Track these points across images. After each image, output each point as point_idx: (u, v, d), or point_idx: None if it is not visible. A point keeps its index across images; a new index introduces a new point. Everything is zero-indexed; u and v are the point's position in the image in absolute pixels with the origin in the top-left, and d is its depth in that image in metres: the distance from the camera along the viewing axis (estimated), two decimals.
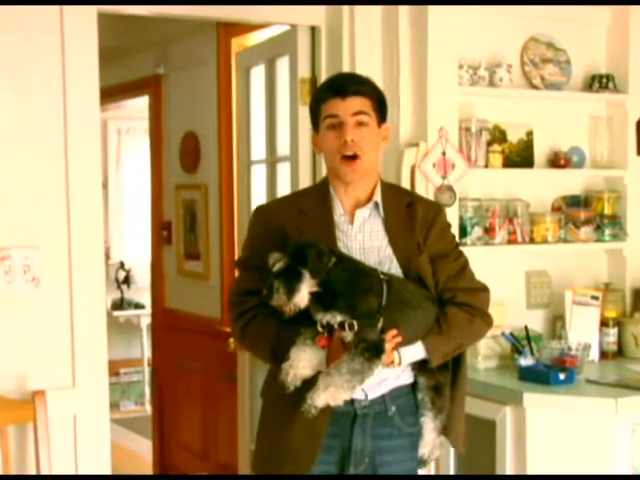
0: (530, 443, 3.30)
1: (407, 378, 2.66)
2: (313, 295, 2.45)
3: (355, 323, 2.43)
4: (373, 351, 2.42)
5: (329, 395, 2.39)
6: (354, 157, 2.59)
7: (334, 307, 2.44)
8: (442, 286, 2.65)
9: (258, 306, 2.60)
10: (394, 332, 2.49)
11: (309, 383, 2.44)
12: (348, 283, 2.44)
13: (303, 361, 2.47)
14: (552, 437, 3.31)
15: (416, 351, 2.58)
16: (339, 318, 2.44)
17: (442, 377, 2.65)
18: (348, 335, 2.44)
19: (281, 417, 2.60)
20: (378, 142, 2.67)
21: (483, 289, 2.73)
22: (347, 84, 2.64)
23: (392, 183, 2.93)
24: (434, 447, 2.68)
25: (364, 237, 2.65)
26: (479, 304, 2.69)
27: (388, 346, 2.47)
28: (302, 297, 2.43)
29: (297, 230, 2.60)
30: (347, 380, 2.40)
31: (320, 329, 2.46)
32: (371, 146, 2.63)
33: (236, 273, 2.86)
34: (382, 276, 2.51)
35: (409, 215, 2.67)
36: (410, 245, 2.64)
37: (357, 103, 2.60)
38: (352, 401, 2.56)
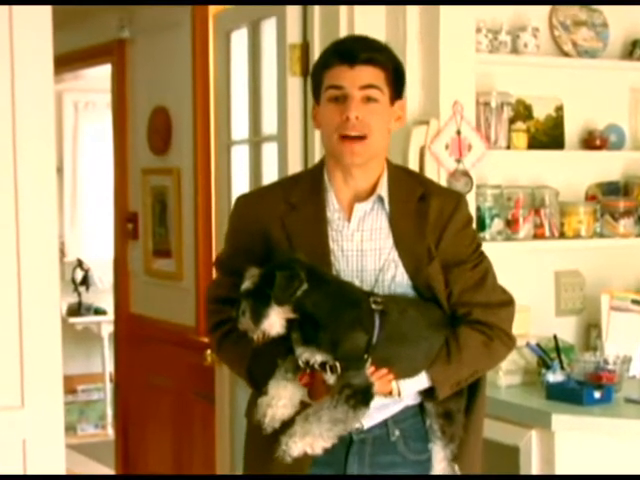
0: (560, 472, 3.30)
1: (412, 399, 2.63)
2: (293, 322, 2.42)
3: (338, 365, 2.41)
4: (359, 398, 2.40)
5: (306, 444, 2.38)
6: (360, 138, 2.54)
7: (315, 342, 2.41)
8: (456, 299, 2.61)
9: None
10: (384, 372, 2.47)
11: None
12: (332, 314, 2.40)
13: (283, 399, 2.46)
14: (585, 465, 3.30)
15: (420, 381, 2.56)
16: (319, 358, 2.42)
17: (453, 403, 2.62)
18: (330, 378, 2.42)
19: (266, 440, 2.56)
20: (389, 123, 2.62)
21: (505, 303, 2.68)
22: (358, 49, 2.58)
23: (405, 168, 2.88)
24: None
25: (363, 236, 2.60)
26: (499, 323, 2.64)
27: (377, 385, 2.45)
28: (272, 324, 2.40)
29: (283, 229, 2.58)
30: (327, 429, 2.39)
31: (301, 365, 2.45)
32: (380, 126, 2.57)
33: (214, 274, 2.85)
34: (374, 306, 2.46)
35: (421, 211, 2.61)
36: (420, 248, 2.59)
37: (368, 74, 2.55)
38: None
